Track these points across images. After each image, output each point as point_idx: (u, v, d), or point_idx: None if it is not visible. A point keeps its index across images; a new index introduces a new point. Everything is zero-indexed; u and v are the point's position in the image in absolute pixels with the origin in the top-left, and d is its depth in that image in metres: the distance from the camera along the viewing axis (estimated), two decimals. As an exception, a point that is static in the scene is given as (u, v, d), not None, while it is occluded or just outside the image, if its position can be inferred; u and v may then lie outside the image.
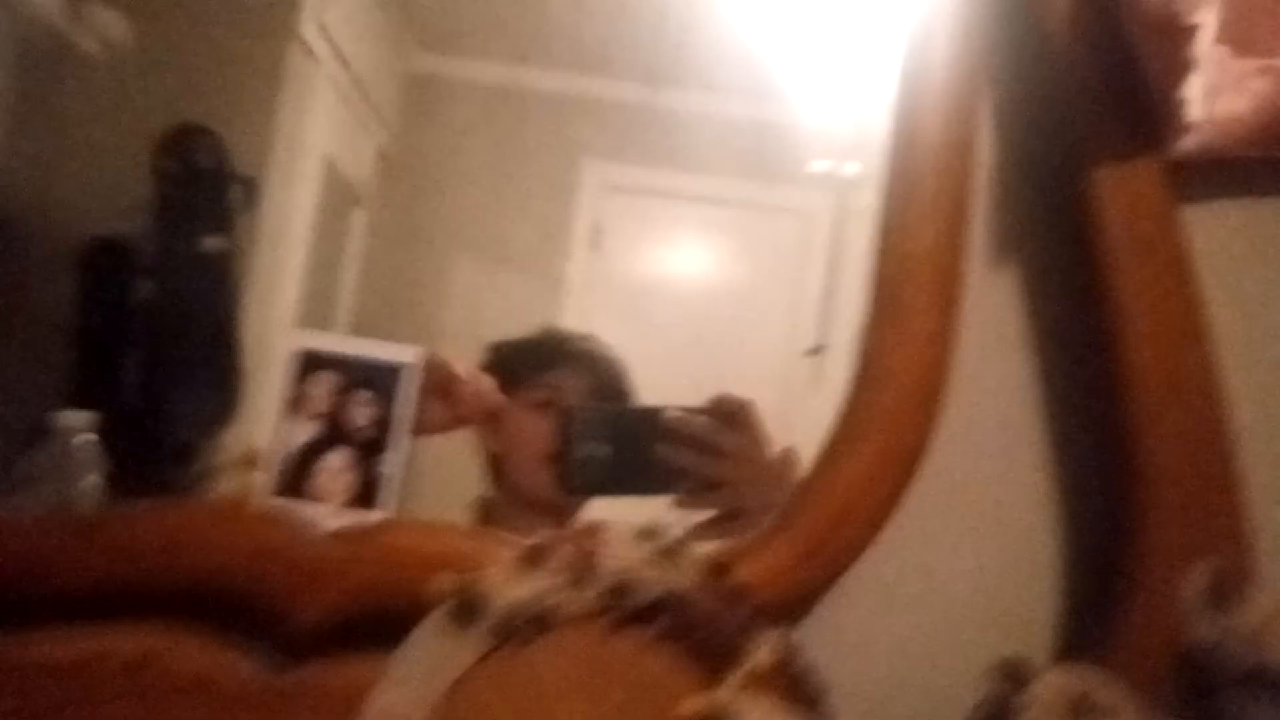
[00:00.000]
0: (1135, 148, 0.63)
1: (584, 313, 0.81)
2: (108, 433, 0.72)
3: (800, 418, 0.74)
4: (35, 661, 0.61)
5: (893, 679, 0.66)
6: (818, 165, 0.76)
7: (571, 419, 0.71)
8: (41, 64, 0.81)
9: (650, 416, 0.70)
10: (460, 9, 0.86)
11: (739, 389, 0.72)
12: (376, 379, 0.67)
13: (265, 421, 0.72)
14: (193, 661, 0.61)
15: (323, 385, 0.67)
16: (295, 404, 0.66)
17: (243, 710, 0.61)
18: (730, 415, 0.70)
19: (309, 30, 0.83)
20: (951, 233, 0.64)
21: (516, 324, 0.79)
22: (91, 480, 0.70)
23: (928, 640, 0.67)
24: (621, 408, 0.74)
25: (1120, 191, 0.63)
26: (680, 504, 0.70)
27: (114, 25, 0.81)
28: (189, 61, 0.82)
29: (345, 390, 0.67)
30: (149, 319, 0.78)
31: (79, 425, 0.71)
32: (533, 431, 0.75)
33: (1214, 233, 0.65)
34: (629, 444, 0.70)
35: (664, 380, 0.77)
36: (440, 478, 0.77)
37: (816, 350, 0.76)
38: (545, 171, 0.84)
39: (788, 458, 0.69)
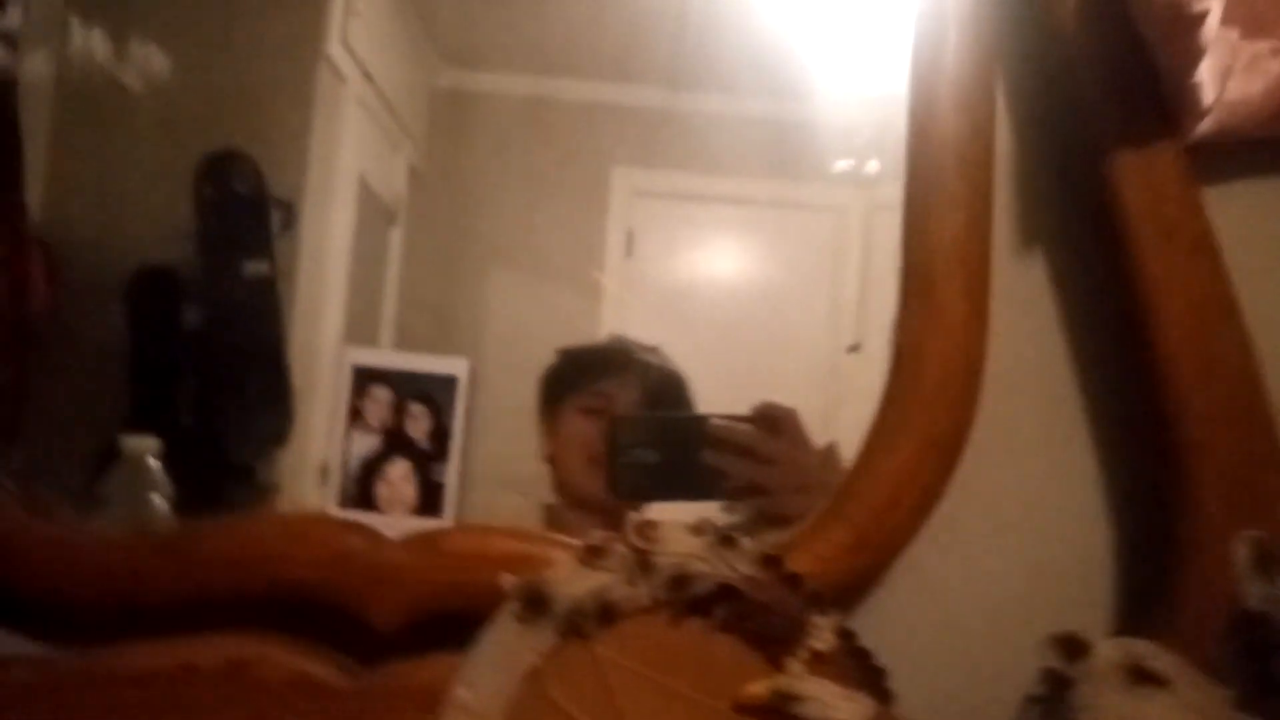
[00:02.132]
0: (1153, 133, 0.64)
1: (621, 319, 0.82)
2: (170, 454, 0.75)
3: (843, 415, 0.75)
4: (132, 673, 0.65)
5: (950, 660, 0.68)
6: (840, 164, 0.77)
7: (618, 425, 0.74)
8: (84, 99, 0.83)
9: (696, 424, 0.73)
10: (481, 23, 0.87)
11: (779, 388, 0.74)
12: (429, 392, 0.70)
13: (316, 438, 0.76)
14: (282, 666, 0.65)
15: (379, 399, 0.70)
16: (354, 418, 0.70)
17: (332, 709, 0.64)
18: (774, 422, 0.72)
19: (335, 51, 0.84)
20: (976, 221, 0.65)
21: (556, 333, 0.80)
22: (159, 500, 0.74)
23: (983, 621, 0.69)
24: (668, 415, 0.76)
25: (1141, 176, 0.64)
26: (727, 510, 0.72)
27: (153, 59, 0.83)
28: (223, 90, 0.84)
29: (400, 403, 0.70)
30: (199, 345, 0.81)
31: (145, 449, 0.75)
32: (581, 436, 0.77)
33: (1236, 213, 0.66)
34: (675, 450, 0.72)
35: (704, 382, 0.78)
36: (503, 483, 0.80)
37: (856, 347, 0.77)
38: (575, 180, 0.85)
39: (830, 457, 0.71)
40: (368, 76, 0.86)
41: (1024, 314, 0.70)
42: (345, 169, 0.85)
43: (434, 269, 0.84)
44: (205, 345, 0.81)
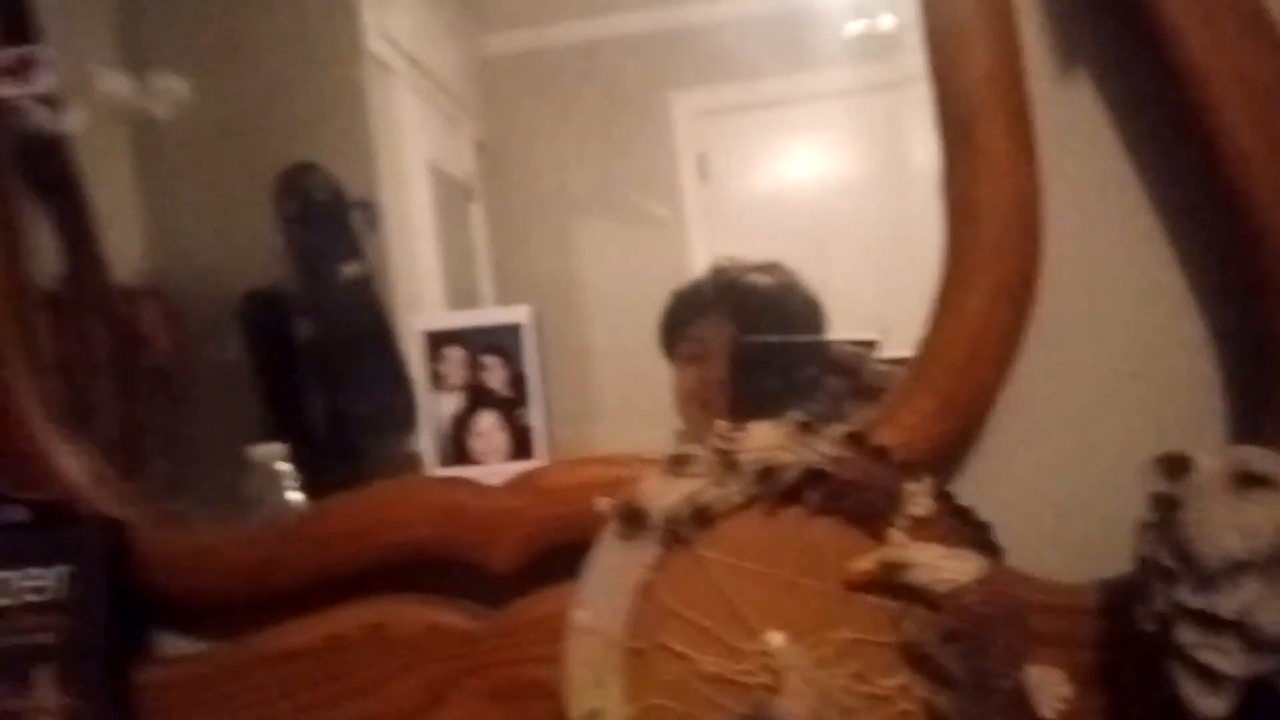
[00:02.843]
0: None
1: (710, 244, 0.81)
2: (301, 456, 0.80)
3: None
4: (283, 651, 0.70)
5: (1058, 505, 0.67)
6: (852, 27, 0.75)
7: (739, 353, 0.74)
8: (156, 144, 0.87)
9: (818, 350, 0.73)
10: None
11: (887, 279, 0.73)
12: (499, 342, 0.72)
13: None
14: (417, 620, 0.69)
15: (453, 359, 0.72)
16: (435, 381, 0.72)
17: (467, 652, 0.68)
18: None
19: (377, 45, 0.86)
20: (1005, 53, 0.63)
21: (649, 273, 0.80)
22: (294, 497, 0.79)
23: (1085, 461, 0.67)
24: (789, 340, 0.75)
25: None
26: None
27: (212, 90, 0.86)
28: (283, 107, 0.86)
29: (474, 359, 0.72)
30: (316, 355, 0.84)
31: (273, 455, 0.81)
32: (685, 384, 0.78)
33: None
34: (799, 376, 0.73)
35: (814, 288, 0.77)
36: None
37: None
38: (635, 115, 0.84)
39: None
40: (414, 62, 0.87)
41: (1074, 140, 0.66)
42: (413, 157, 0.87)
43: (519, 234, 0.85)
44: (321, 355, 0.84)
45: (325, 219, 0.84)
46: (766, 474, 0.60)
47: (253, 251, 0.86)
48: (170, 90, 0.85)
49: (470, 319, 0.73)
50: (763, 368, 0.74)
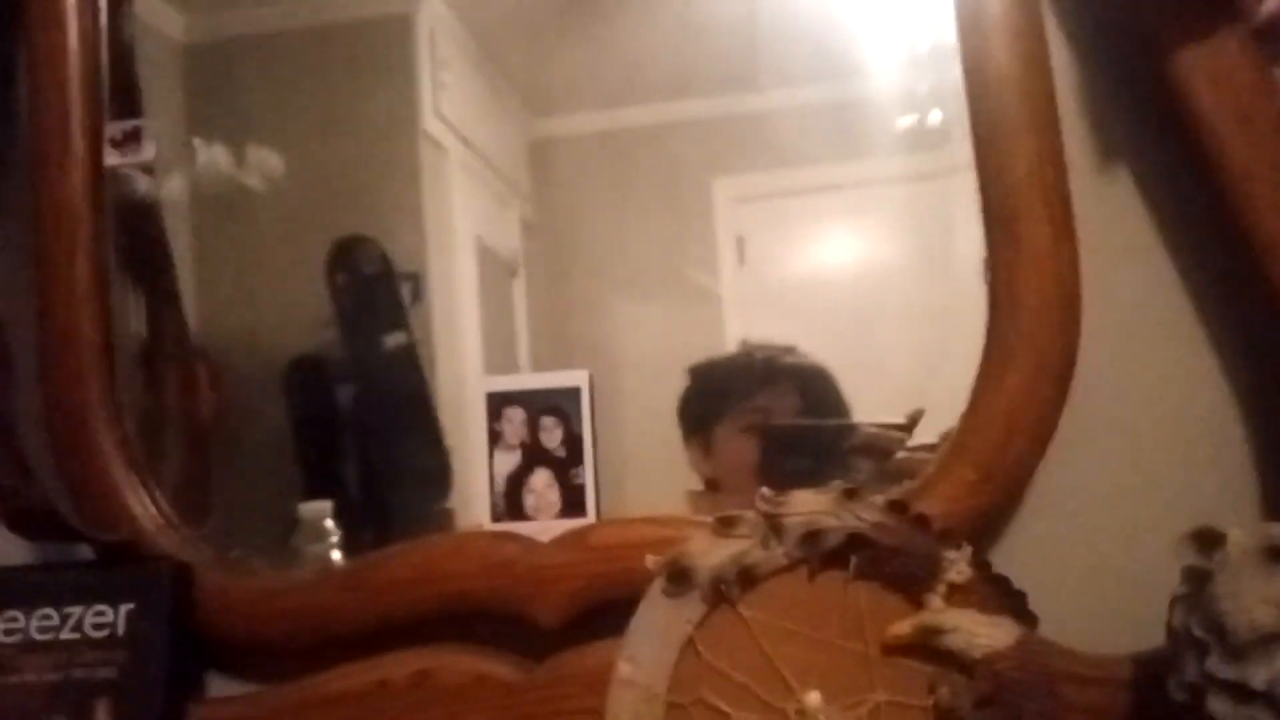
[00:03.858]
0: (1214, 22, 0.64)
1: (746, 325, 0.83)
2: (342, 516, 0.83)
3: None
4: (333, 694, 0.72)
5: (1092, 577, 0.69)
6: (903, 122, 0.79)
7: (775, 434, 0.77)
8: (215, 211, 0.91)
9: (846, 432, 0.75)
10: (560, 70, 0.89)
11: (918, 366, 0.76)
12: (558, 404, 0.75)
13: (473, 488, 0.79)
14: (464, 669, 0.71)
15: (514, 419, 0.76)
16: (495, 440, 0.76)
17: (511, 702, 0.70)
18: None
19: (432, 125, 0.90)
20: (1047, 146, 0.67)
21: (688, 350, 0.81)
22: (336, 554, 0.82)
23: (1120, 535, 0.69)
24: (820, 423, 0.77)
25: (1208, 69, 0.64)
26: None
27: (269, 162, 0.91)
28: (338, 181, 0.90)
29: (533, 419, 0.75)
30: (355, 420, 0.88)
31: (321, 512, 0.84)
32: (745, 454, 0.79)
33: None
34: (827, 457, 0.75)
35: (844, 373, 0.78)
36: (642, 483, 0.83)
37: None
38: (677, 199, 0.87)
39: None
40: (466, 142, 0.91)
41: (1111, 229, 0.70)
42: (461, 233, 0.90)
43: (559, 312, 0.87)
44: (360, 420, 0.87)
45: (374, 290, 0.88)
46: (811, 537, 0.62)
47: (299, 320, 0.89)
48: (257, 162, 0.90)
49: (532, 381, 0.76)
50: (795, 447, 0.76)
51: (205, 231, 0.92)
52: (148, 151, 0.84)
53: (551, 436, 0.75)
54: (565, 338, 0.87)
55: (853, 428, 0.75)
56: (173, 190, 0.89)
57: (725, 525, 0.64)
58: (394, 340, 0.88)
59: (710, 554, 0.64)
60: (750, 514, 0.64)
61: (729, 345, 0.82)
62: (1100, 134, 0.71)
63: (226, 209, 0.91)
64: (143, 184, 0.86)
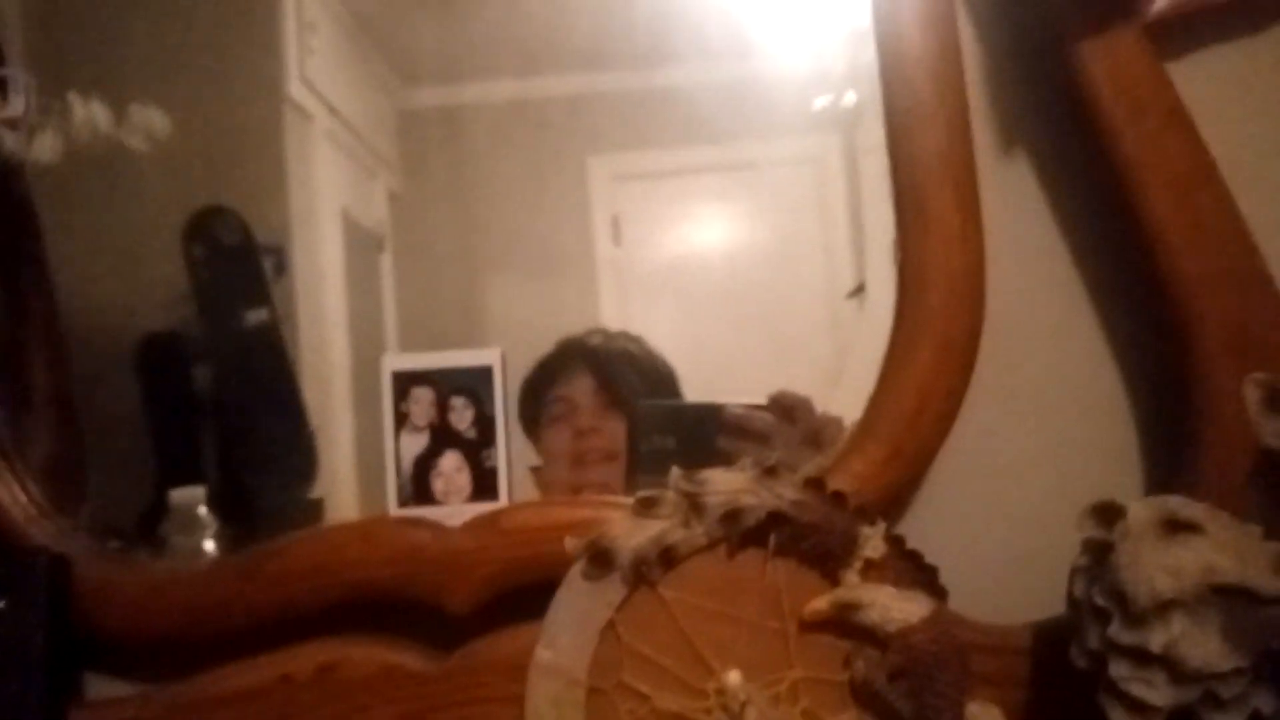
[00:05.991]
0: (1111, 16, 0.67)
1: (620, 305, 0.82)
2: (211, 501, 0.79)
3: (853, 360, 0.76)
4: (234, 690, 0.69)
5: (996, 550, 0.71)
6: (819, 101, 0.80)
7: (638, 415, 0.76)
8: (80, 170, 0.84)
9: (712, 411, 0.75)
10: (433, 39, 0.86)
11: (786, 347, 0.77)
12: (468, 384, 0.73)
13: (341, 471, 0.79)
14: (371, 661, 0.69)
15: (422, 400, 0.73)
16: (401, 421, 0.73)
17: (422, 694, 0.68)
18: (788, 410, 0.74)
19: (297, 90, 0.85)
20: (956, 132, 0.68)
21: (559, 330, 0.80)
22: (210, 543, 0.79)
23: (1022, 508, 0.72)
24: (684, 403, 0.78)
25: (1105, 61, 0.67)
26: None
27: (133, 127, 0.84)
28: (196, 148, 0.84)
29: (443, 400, 0.73)
30: (214, 401, 0.83)
31: (194, 499, 0.79)
32: (556, 444, 0.79)
33: (1205, 82, 0.69)
34: (692, 437, 0.75)
35: (715, 353, 0.79)
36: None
37: (858, 290, 0.78)
38: (552, 176, 0.85)
39: (837, 430, 0.73)
40: (333, 110, 0.87)
41: (1016, 212, 0.72)
42: (326, 205, 0.86)
43: (428, 288, 0.84)
44: (219, 402, 0.83)
45: (233, 263, 0.83)
46: (732, 516, 0.62)
47: (155, 295, 0.83)
48: (146, 120, 0.84)
49: (441, 360, 0.74)
50: (660, 428, 0.75)
51: (65, 196, 0.84)
52: (16, 106, 0.77)
53: (461, 417, 0.73)
54: (434, 315, 0.84)
55: (718, 408, 0.74)
56: (44, 149, 0.82)
57: (645, 506, 0.64)
58: (255, 317, 0.83)
59: (631, 535, 0.63)
60: (670, 494, 0.64)
61: (603, 325, 0.81)
62: (1007, 121, 0.73)
63: (85, 172, 0.84)
64: (9, 140, 0.79)
